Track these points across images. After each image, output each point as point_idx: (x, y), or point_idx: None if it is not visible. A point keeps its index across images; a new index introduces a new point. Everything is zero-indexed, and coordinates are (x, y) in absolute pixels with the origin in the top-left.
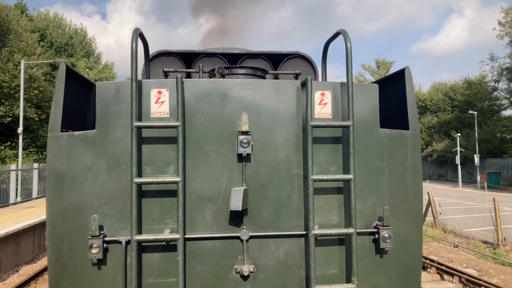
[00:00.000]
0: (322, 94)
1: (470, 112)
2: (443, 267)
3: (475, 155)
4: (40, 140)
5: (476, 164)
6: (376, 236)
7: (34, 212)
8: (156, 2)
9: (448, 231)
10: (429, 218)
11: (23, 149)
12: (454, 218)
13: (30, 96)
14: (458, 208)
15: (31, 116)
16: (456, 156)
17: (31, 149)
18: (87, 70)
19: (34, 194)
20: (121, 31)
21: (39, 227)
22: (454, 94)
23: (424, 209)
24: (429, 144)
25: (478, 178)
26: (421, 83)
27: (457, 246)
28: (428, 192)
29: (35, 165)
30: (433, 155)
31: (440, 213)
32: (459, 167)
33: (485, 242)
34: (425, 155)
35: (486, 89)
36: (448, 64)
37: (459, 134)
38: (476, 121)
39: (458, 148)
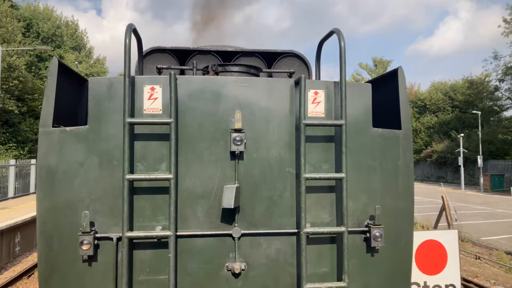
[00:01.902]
0: (316, 93)
1: (474, 112)
2: (472, 285)
3: (478, 157)
4: (22, 135)
5: (479, 166)
6: (368, 235)
7: (4, 215)
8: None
9: (465, 239)
10: (442, 224)
11: (2, 144)
12: (468, 224)
13: (9, 86)
14: (469, 213)
15: (10, 108)
16: (459, 158)
17: (11, 144)
18: (76, 63)
19: (10, 194)
20: (116, 27)
21: (8, 232)
22: (454, 93)
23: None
24: (429, 145)
25: (481, 180)
26: (420, 82)
27: (479, 258)
28: (442, 196)
29: (12, 161)
30: (433, 156)
31: (456, 220)
32: (462, 168)
33: (510, 253)
34: (424, 155)
35: (487, 89)
36: (442, 66)
37: (462, 135)
38: (480, 121)
39: (461, 149)
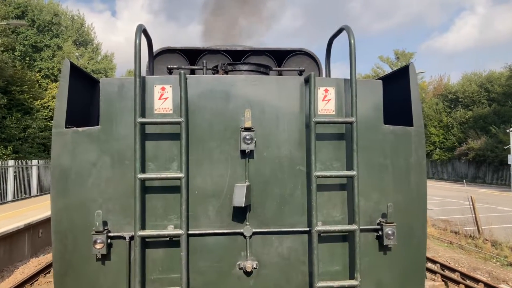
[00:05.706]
0: (326, 90)
1: None
2: None
3: None
4: (6, 132)
5: None
6: (380, 233)
7: None
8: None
9: None
10: None
11: None
12: None
13: None
14: None
15: None
16: (509, 156)
17: None
18: (76, 55)
19: None
20: (130, 28)
21: None
22: (491, 85)
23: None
24: (463, 142)
25: None
26: (450, 74)
27: None
28: None
29: None
30: (469, 154)
31: None
32: None
33: None
34: (459, 153)
35: None
36: (458, 61)
37: (511, 129)
38: None
39: None
